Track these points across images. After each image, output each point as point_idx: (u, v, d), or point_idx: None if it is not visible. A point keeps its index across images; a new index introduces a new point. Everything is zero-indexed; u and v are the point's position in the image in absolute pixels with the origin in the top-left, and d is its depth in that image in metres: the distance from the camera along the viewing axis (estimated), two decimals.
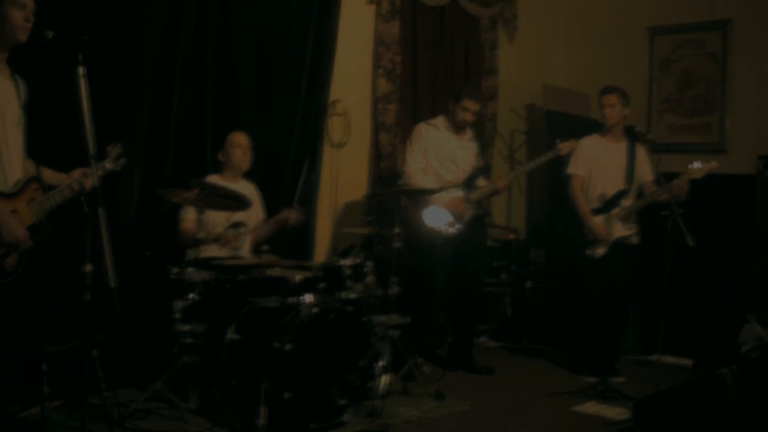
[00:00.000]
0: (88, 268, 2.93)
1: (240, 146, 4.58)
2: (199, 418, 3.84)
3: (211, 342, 3.90)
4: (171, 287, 3.94)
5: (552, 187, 6.56)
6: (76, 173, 3.33)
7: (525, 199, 7.04)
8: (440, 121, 5.20)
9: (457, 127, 5.13)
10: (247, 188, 4.62)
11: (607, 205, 5.07)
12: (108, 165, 3.51)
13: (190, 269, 3.89)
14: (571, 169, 5.18)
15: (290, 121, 5.25)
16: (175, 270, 3.92)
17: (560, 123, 6.63)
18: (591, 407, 4.47)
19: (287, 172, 5.22)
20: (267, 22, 5.06)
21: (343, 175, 5.70)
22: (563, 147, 5.08)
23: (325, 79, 5.40)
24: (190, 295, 3.89)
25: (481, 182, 5.16)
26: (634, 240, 5.10)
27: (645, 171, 5.13)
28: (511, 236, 6.40)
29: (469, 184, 5.08)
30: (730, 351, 5.02)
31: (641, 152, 5.11)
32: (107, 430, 3.52)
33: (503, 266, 6.26)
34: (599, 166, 5.12)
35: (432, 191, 4.90)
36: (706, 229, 4.96)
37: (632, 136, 4.99)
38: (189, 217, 4.40)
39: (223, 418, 3.74)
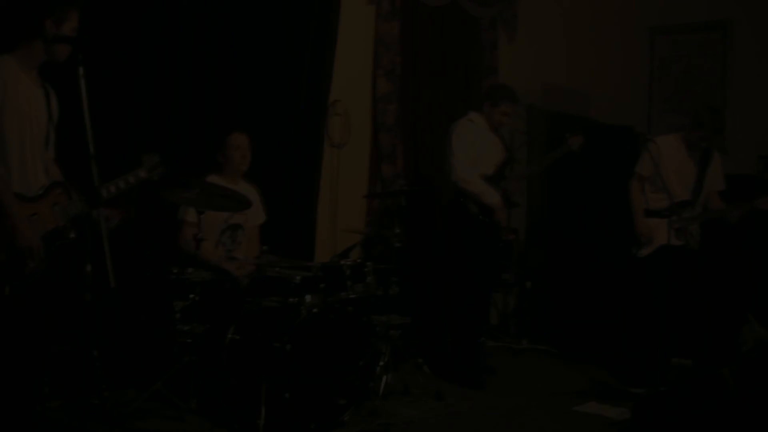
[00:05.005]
0: (88, 268, 2.93)
1: (239, 148, 4.50)
2: (199, 418, 3.83)
3: (211, 342, 3.91)
4: (171, 287, 3.94)
5: (552, 187, 6.56)
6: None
7: (525, 200, 7.04)
8: (475, 117, 5.09)
9: (494, 128, 5.07)
10: (247, 190, 4.58)
11: (668, 210, 4.79)
12: (142, 174, 3.48)
13: (190, 269, 3.88)
14: (638, 167, 4.91)
15: (290, 121, 5.25)
16: (175, 270, 3.92)
17: (560, 123, 6.63)
18: (591, 407, 4.47)
19: (287, 173, 5.22)
20: (267, 21, 5.06)
21: (343, 175, 5.70)
22: (573, 141, 5.00)
23: (325, 79, 5.40)
24: (190, 295, 3.89)
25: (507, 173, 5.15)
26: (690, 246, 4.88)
27: (716, 181, 4.90)
28: (511, 236, 6.39)
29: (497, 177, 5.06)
30: (730, 351, 5.02)
31: (715, 161, 4.89)
32: (107, 430, 3.52)
33: (503, 266, 6.27)
34: (670, 168, 4.82)
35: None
36: (706, 229, 4.96)
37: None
38: (191, 220, 4.33)
39: (223, 418, 3.74)
